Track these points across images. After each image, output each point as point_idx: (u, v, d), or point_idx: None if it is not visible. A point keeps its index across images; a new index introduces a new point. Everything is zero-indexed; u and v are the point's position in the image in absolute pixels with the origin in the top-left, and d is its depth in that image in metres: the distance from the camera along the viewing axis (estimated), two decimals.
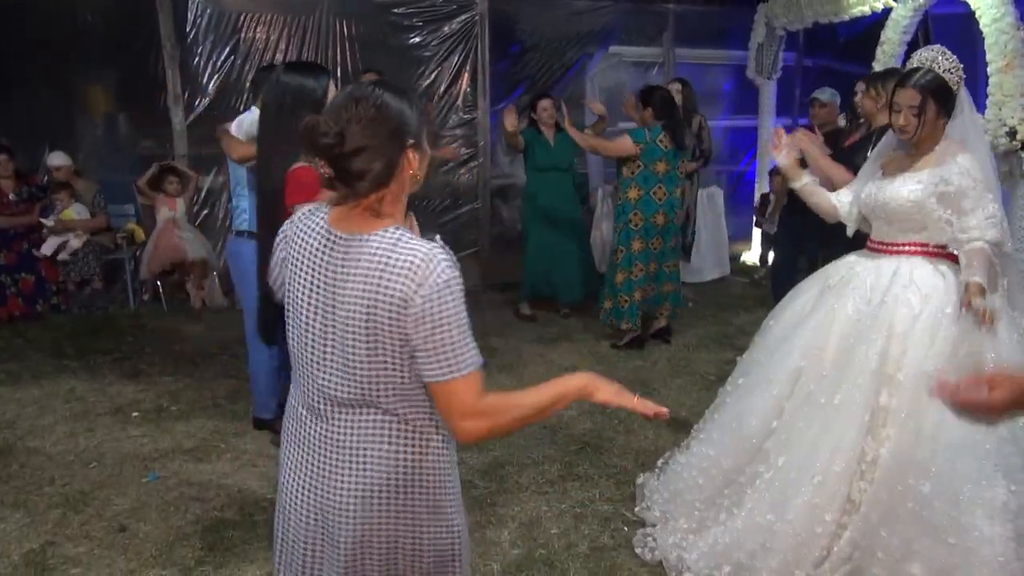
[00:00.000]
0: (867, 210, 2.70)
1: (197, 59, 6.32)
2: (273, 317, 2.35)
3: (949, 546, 2.22)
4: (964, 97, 2.54)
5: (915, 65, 2.53)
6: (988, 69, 4.97)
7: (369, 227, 1.37)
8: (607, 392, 1.49)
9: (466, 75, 6.98)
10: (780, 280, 4.78)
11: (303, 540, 1.50)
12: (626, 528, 2.96)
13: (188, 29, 6.26)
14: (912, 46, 6.20)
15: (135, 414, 4.01)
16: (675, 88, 5.68)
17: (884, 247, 2.65)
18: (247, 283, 3.31)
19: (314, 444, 1.45)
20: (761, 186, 7.45)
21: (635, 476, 3.30)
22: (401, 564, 1.46)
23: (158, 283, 6.07)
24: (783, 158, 2.89)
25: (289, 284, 1.47)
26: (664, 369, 4.69)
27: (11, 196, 5.68)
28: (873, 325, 2.48)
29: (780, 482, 2.48)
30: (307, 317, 1.42)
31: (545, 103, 5.64)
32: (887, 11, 6.02)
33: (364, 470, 1.41)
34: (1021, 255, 4.82)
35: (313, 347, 1.42)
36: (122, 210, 6.29)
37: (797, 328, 2.71)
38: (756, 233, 7.67)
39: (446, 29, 6.85)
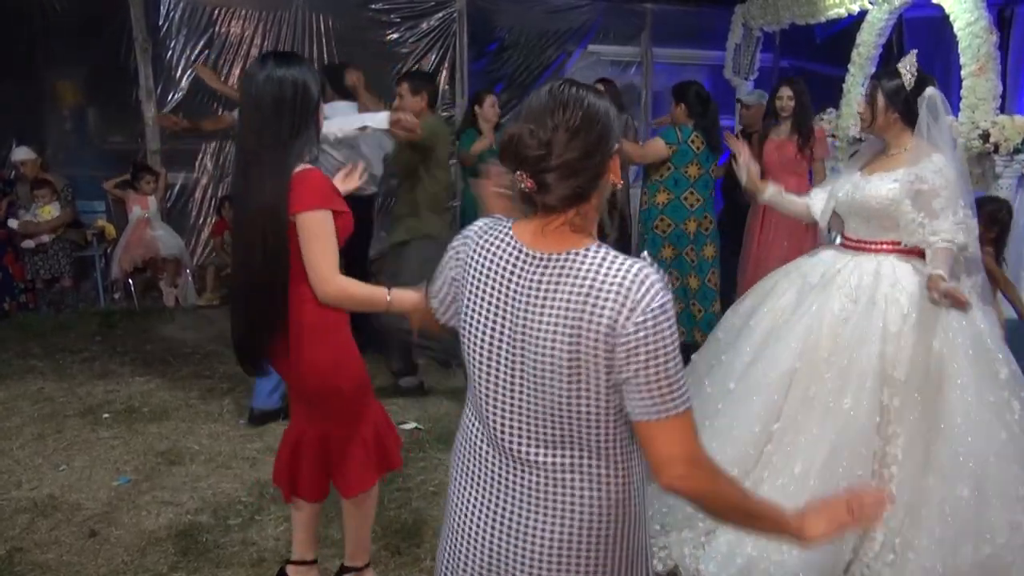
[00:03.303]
0: (843, 209, 2.77)
1: (170, 53, 6.23)
2: (258, 343, 2.17)
3: (998, 546, 2.26)
4: (940, 105, 2.59)
5: None
6: (962, 72, 5.02)
7: (568, 244, 1.23)
8: (821, 527, 1.28)
9: (444, 72, 6.94)
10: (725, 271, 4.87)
11: None
12: None
13: (161, 22, 6.16)
14: (887, 48, 6.27)
15: (106, 415, 3.92)
16: (602, 88, 5.64)
17: (860, 245, 2.72)
18: None
19: (500, 486, 1.31)
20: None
21: None
22: None
23: (129, 281, 5.96)
24: (743, 177, 2.97)
25: (467, 308, 1.32)
26: None
27: None
28: (868, 327, 2.52)
29: (797, 488, 2.42)
30: (491, 346, 1.27)
31: (492, 99, 5.10)
32: (863, 13, 6.07)
33: (561, 519, 1.26)
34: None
35: (499, 379, 1.28)
36: (91, 206, 6.18)
37: (786, 328, 2.69)
38: None
39: (424, 26, 6.81)
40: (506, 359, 1.26)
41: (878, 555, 2.42)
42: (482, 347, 1.29)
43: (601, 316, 1.17)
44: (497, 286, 1.27)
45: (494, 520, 1.31)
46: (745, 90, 7.26)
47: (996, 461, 2.32)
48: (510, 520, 1.30)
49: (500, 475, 1.31)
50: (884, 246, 2.66)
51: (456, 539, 1.38)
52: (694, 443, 1.21)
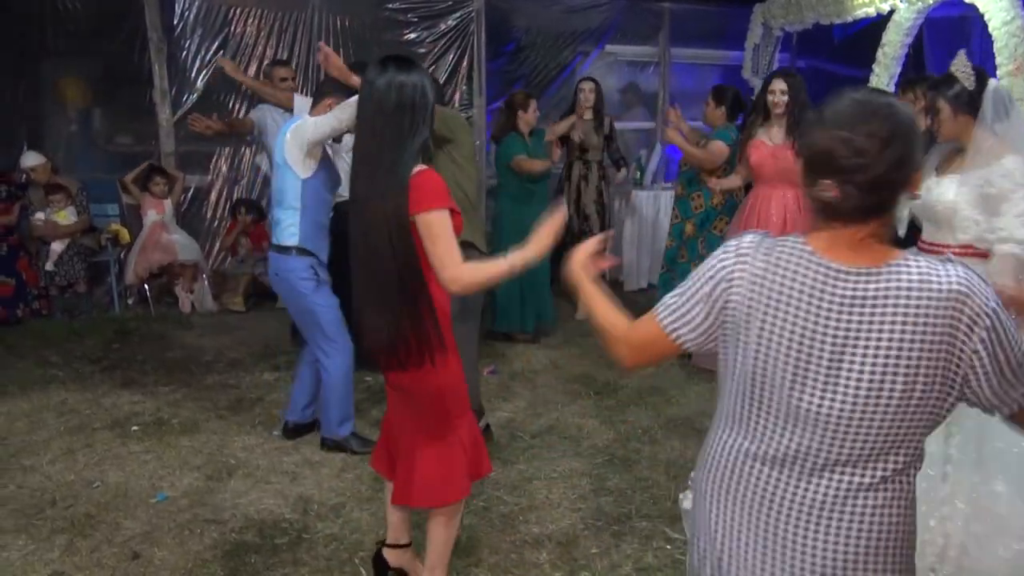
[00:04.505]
0: (918, 211, 2.71)
1: (185, 53, 6.09)
2: (404, 339, 2.13)
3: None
4: (1006, 98, 2.52)
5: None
6: (997, 72, 4.94)
7: (883, 257, 1.23)
8: None
9: (462, 72, 6.83)
10: None
11: None
12: (668, 546, 2.85)
13: (176, 21, 6.03)
14: (912, 48, 6.20)
15: (135, 428, 3.79)
16: (588, 87, 5.56)
17: (933, 248, 2.66)
18: (306, 300, 3.31)
19: (780, 505, 1.28)
20: None
21: (669, 490, 3.20)
22: None
23: (145, 287, 5.83)
24: None
25: (757, 330, 1.28)
26: (678, 376, 4.58)
27: None
28: None
29: None
30: (798, 365, 1.24)
31: (535, 103, 4.98)
32: (882, 14, 5.98)
33: (857, 537, 1.24)
34: None
35: (804, 398, 1.24)
36: (104, 209, 6.03)
37: None
38: None
39: (442, 26, 6.70)
40: (817, 378, 1.23)
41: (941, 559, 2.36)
42: (785, 367, 1.25)
43: (941, 325, 1.17)
44: (803, 304, 1.24)
45: (771, 541, 1.29)
46: None
47: None
48: (793, 540, 1.27)
49: (784, 496, 1.28)
50: (955, 249, 2.59)
51: (727, 563, 1.35)
52: None
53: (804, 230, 1.29)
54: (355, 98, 3.25)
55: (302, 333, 3.56)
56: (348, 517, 3.01)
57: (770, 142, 4.18)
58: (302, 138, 3.23)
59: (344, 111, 3.06)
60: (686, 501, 3.01)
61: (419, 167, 2.06)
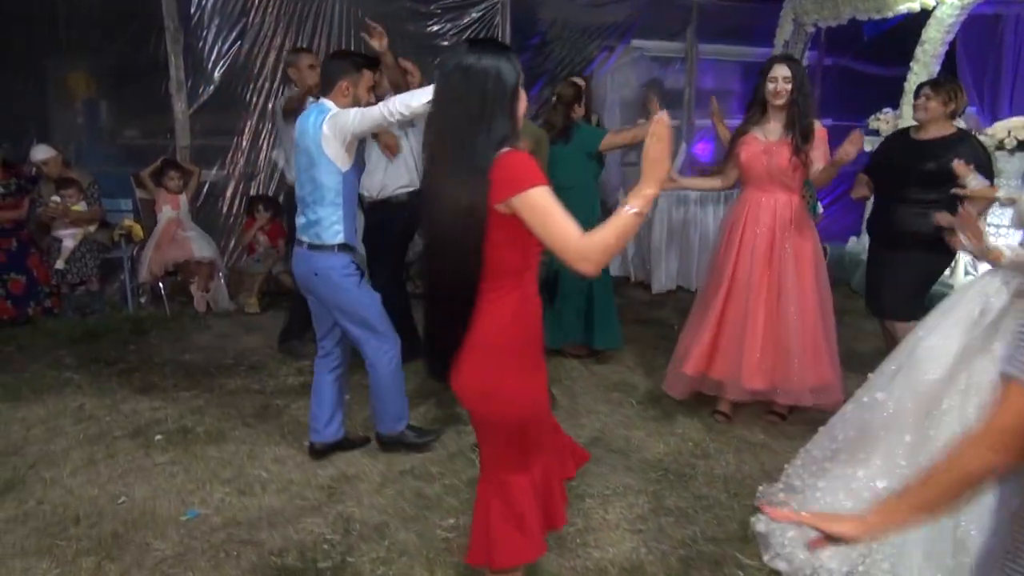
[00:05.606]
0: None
1: (201, 43, 5.88)
2: (446, 347, 1.97)
3: None
4: None
5: None
6: None
7: None
8: None
9: None
10: None
11: None
12: (741, 573, 2.66)
13: (192, 11, 5.81)
14: (951, 47, 6.02)
15: (158, 436, 3.58)
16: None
17: None
18: (351, 296, 3.13)
19: None
20: None
21: (732, 510, 3.01)
22: None
23: (160, 285, 5.61)
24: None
25: None
26: None
27: None
28: None
29: None
30: None
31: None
32: (927, 9, 5.79)
33: None
34: None
35: None
36: (116, 204, 5.82)
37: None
38: None
39: (465, 18, 6.52)
40: None
41: None
42: None
43: None
44: None
45: None
46: None
47: None
48: None
49: None
50: None
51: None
52: None
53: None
54: (405, 94, 3.06)
55: (348, 333, 3.28)
56: (394, 538, 2.82)
57: (764, 138, 3.61)
58: (343, 130, 3.00)
59: (395, 104, 2.87)
60: (760, 524, 2.84)
61: (504, 149, 1.80)
